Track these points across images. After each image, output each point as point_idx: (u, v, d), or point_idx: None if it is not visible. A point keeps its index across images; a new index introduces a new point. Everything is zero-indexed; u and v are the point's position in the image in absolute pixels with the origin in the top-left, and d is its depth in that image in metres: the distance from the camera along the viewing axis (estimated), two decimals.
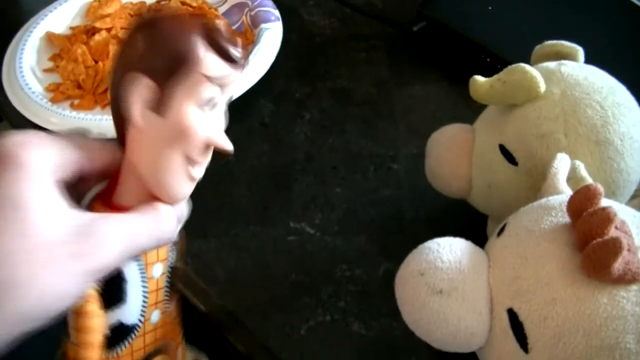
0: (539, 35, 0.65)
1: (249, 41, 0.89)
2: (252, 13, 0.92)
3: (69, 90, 0.84)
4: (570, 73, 0.56)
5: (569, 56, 0.60)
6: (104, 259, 0.39)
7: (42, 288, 0.36)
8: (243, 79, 0.80)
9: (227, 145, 0.45)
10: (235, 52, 0.44)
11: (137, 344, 0.47)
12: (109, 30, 0.89)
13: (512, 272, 0.43)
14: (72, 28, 0.93)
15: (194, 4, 0.94)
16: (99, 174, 0.45)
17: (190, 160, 0.43)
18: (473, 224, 0.65)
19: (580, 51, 0.60)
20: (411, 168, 0.74)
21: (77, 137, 0.44)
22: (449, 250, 0.45)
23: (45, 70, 0.87)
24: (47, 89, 0.84)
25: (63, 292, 0.37)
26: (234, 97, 0.77)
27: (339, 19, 0.96)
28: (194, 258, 0.68)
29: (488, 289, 0.44)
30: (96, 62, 0.86)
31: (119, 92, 0.42)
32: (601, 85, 0.56)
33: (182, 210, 0.47)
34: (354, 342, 0.61)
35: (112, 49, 0.86)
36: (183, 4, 0.94)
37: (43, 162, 0.39)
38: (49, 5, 0.94)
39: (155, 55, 0.42)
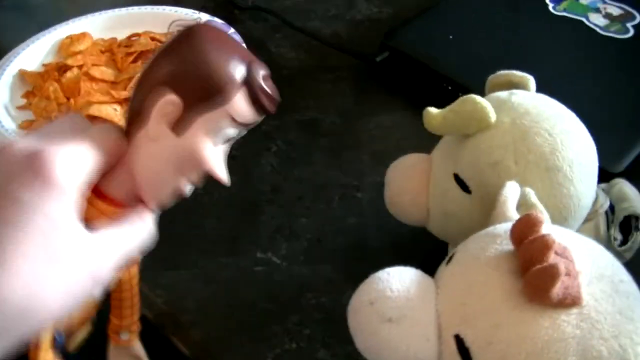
0: (499, 62, 0.66)
1: None
2: None
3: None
4: (520, 102, 0.58)
5: (520, 85, 0.61)
6: (104, 276, 0.41)
7: (57, 309, 0.39)
8: None
9: (225, 179, 0.46)
10: (268, 104, 0.45)
11: None
12: (80, 67, 0.90)
13: (458, 298, 0.45)
14: (44, 65, 0.94)
15: (164, 39, 0.96)
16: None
17: (187, 180, 0.45)
18: (435, 251, 0.66)
19: (531, 80, 0.62)
20: (375, 196, 0.75)
21: (101, 132, 0.44)
22: (398, 280, 0.46)
23: (19, 108, 0.88)
24: (21, 126, 0.84)
25: (71, 307, 0.40)
26: None
27: (306, 50, 0.98)
28: (165, 289, 0.69)
29: (436, 316, 0.45)
30: (68, 99, 0.87)
31: (144, 95, 0.43)
32: (550, 113, 0.57)
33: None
34: None
35: (84, 85, 0.87)
36: (153, 39, 0.95)
37: (73, 180, 0.40)
38: (22, 43, 0.95)
39: (191, 73, 0.43)
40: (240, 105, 0.43)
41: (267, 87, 0.45)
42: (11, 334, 0.37)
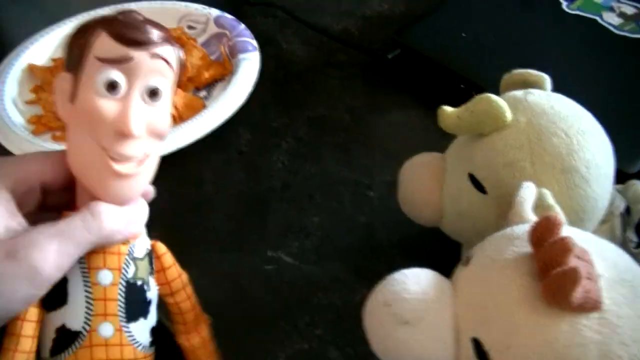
0: (513, 60, 0.66)
1: (228, 71, 0.90)
2: (231, 43, 0.93)
3: (51, 122, 0.84)
4: (536, 102, 0.57)
5: (536, 84, 0.61)
6: (35, 273, 0.41)
7: None
8: (222, 109, 0.81)
9: (132, 129, 0.44)
10: (135, 34, 0.44)
11: (82, 354, 0.46)
12: None
13: (475, 301, 0.44)
14: (53, 60, 0.94)
15: (173, 34, 0.95)
16: (64, 185, 0.46)
17: (107, 152, 0.44)
18: (447, 250, 0.65)
19: (547, 79, 0.61)
20: (386, 195, 0.75)
21: (39, 153, 0.46)
22: (415, 281, 0.46)
23: (27, 102, 0.88)
24: (29, 121, 0.84)
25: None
26: (214, 127, 0.78)
27: (316, 46, 0.97)
28: None
29: (453, 319, 0.45)
30: None
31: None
32: (567, 113, 0.56)
33: (133, 211, 0.47)
34: None
35: None
36: None
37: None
38: (31, 37, 0.95)
39: (70, 50, 0.45)
40: (99, 43, 0.44)
41: (126, 19, 0.45)
42: None
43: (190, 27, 0.98)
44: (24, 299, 0.42)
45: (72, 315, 0.46)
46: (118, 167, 0.44)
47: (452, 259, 0.64)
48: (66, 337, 0.46)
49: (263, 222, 0.74)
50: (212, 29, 0.97)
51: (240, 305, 0.67)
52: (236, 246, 0.72)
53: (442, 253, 0.65)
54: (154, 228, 0.72)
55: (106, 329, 0.47)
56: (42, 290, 0.42)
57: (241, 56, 0.90)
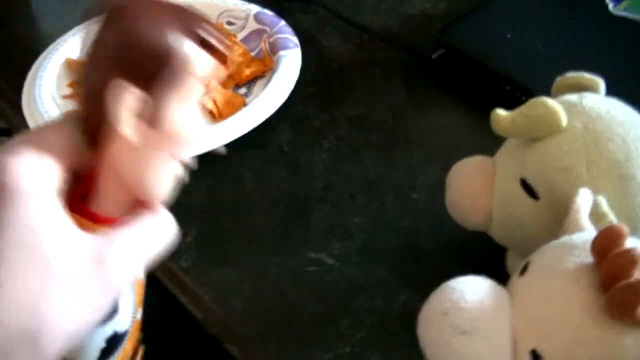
0: (559, 62, 0.64)
1: (268, 68, 0.89)
2: (271, 40, 0.92)
3: None
4: (592, 106, 0.56)
5: (590, 88, 0.59)
6: (119, 283, 0.38)
7: (65, 326, 0.36)
8: (263, 107, 0.80)
9: (201, 132, 0.42)
10: (218, 41, 0.42)
11: (127, 345, 0.46)
12: None
13: (535, 312, 0.43)
14: None
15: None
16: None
17: (176, 159, 0.42)
18: (492, 256, 0.64)
19: (601, 83, 0.60)
20: (429, 197, 0.74)
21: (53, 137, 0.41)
22: (472, 290, 0.45)
23: (65, 97, 0.88)
24: None
25: (86, 323, 0.37)
26: (254, 125, 0.78)
27: (356, 44, 0.96)
28: (213, 287, 0.68)
29: (511, 330, 0.44)
30: None
31: (99, 98, 0.39)
32: (623, 119, 0.55)
33: None
34: None
35: None
36: None
37: (44, 185, 0.37)
38: (69, 31, 0.95)
39: (132, 55, 0.39)
40: (195, 58, 0.40)
41: (203, 21, 0.42)
42: None
43: (229, 23, 0.98)
44: (98, 312, 0.39)
45: (122, 320, 0.45)
46: (180, 169, 0.43)
47: (496, 264, 0.63)
48: (116, 341, 0.45)
49: (304, 222, 0.73)
50: (252, 25, 0.96)
51: (281, 308, 0.66)
52: (277, 247, 0.71)
53: (487, 259, 0.65)
54: (192, 228, 0.72)
55: (139, 313, 0.47)
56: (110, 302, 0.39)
57: (282, 53, 0.89)
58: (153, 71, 0.39)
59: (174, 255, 0.69)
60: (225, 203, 0.76)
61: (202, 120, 0.43)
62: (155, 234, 0.42)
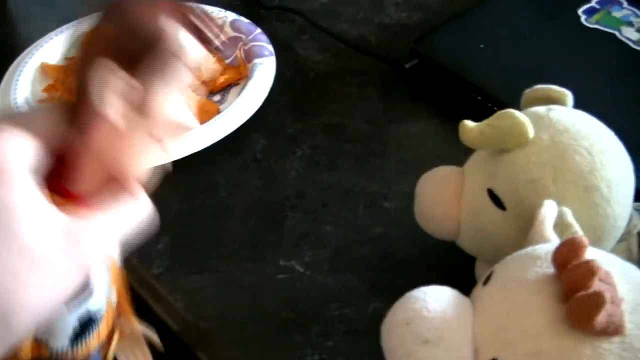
0: (531, 74, 0.66)
1: (243, 75, 0.90)
2: (246, 47, 0.92)
3: None
4: (559, 119, 0.57)
5: (558, 101, 0.60)
6: (91, 259, 0.39)
7: (36, 303, 0.36)
8: (237, 114, 0.81)
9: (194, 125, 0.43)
10: (212, 33, 0.43)
11: (102, 328, 0.46)
12: None
13: (497, 322, 0.44)
14: (67, 59, 0.93)
15: None
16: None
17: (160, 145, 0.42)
18: (465, 265, 0.65)
19: (569, 96, 0.61)
20: (403, 206, 0.74)
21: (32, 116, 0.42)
22: (435, 300, 0.45)
23: (40, 101, 0.87)
24: None
25: (56, 299, 0.37)
26: (228, 132, 0.78)
27: (333, 53, 0.96)
28: (184, 294, 0.68)
29: (473, 339, 0.44)
30: None
31: (89, 84, 0.39)
32: (589, 131, 0.56)
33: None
34: None
35: None
36: None
37: (22, 163, 0.37)
38: (44, 36, 0.95)
39: (125, 42, 0.40)
40: (188, 47, 0.41)
41: (199, 13, 0.42)
42: None
43: None
44: (68, 288, 0.38)
45: (97, 300, 0.45)
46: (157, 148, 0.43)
47: (468, 273, 0.64)
48: (89, 323, 0.45)
49: (277, 230, 0.74)
50: (228, 32, 0.96)
51: (253, 315, 0.66)
52: (249, 254, 0.72)
53: (457, 267, 0.65)
54: (164, 234, 0.72)
55: (114, 294, 0.47)
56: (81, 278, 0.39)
57: (257, 61, 0.89)
58: (144, 57, 0.40)
59: (146, 262, 0.70)
60: (199, 210, 0.76)
61: (188, 109, 0.43)
62: (132, 215, 0.42)
